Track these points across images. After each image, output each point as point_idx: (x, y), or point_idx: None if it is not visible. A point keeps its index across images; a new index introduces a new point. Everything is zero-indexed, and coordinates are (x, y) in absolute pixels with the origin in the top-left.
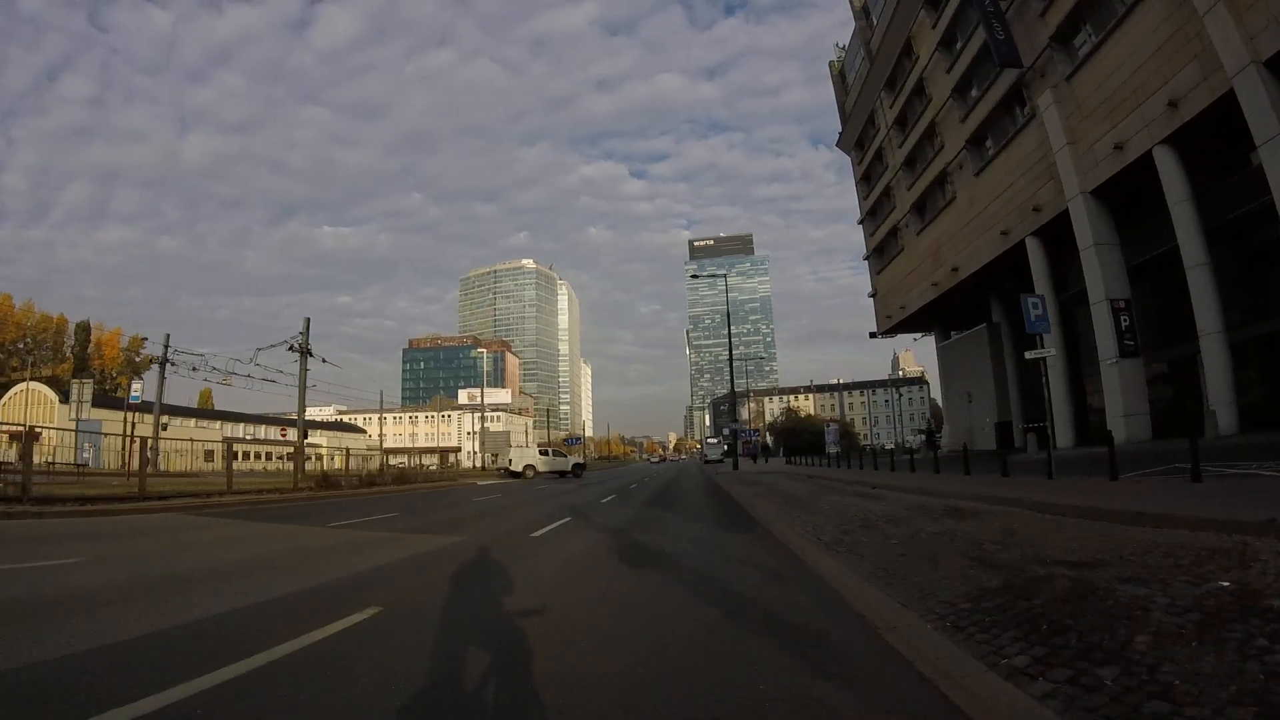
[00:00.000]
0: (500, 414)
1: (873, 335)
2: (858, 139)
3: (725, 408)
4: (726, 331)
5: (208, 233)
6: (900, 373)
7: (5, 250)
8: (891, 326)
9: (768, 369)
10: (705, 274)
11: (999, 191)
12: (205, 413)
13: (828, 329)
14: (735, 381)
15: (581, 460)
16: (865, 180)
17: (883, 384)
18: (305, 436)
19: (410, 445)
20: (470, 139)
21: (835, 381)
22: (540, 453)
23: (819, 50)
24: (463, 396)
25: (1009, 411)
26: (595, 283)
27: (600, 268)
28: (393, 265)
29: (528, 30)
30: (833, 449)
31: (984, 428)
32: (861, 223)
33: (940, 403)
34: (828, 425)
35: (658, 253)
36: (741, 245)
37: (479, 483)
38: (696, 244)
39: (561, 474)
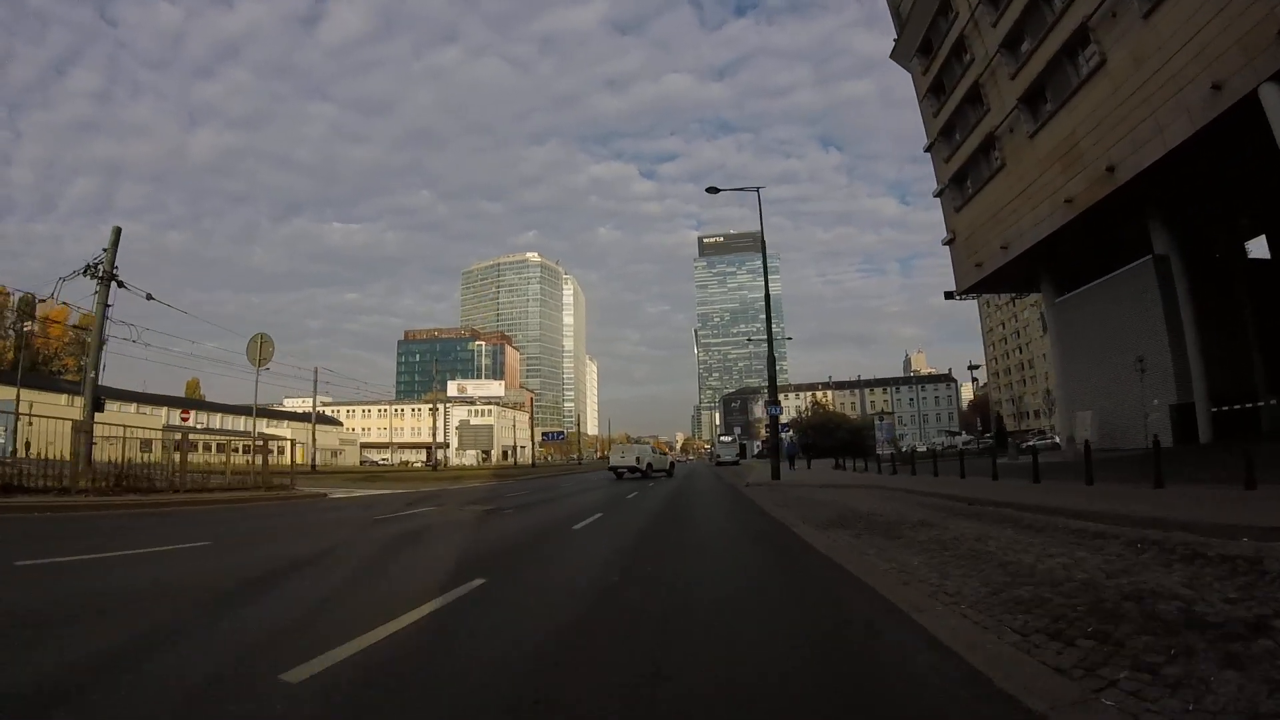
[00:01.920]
0: (492, 407)
1: (950, 296)
2: (922, 41)
3: (736, 404)
4: (766, 314)
5: (214, 228)
6: (912, 374)
7: (12, 244)
8: (981, 280)
9: (777, 368)
10: (725, 255)
11: (1191, 29)
12: (150, 398)
13: (835, 331)
14: (747, 381)
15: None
16: (935, 92)
17: (906, 381)
18: (98, 410)
19: (389, 440)
20: (478, 136)
21: (855, 378)
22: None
23: (829, 51)
24: (451, 388)
25: (1187, 387)
26: (603, 282)
27: (608, 268)
28: (399, 262)
29: (536, 28)
30: (885, 450)
31: (1147, 413)
32: (930, 149)
33: (1059, 380)
34: (879, 420)
35: (666, 253)
36: (752, 242)
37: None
38: (706, 241)
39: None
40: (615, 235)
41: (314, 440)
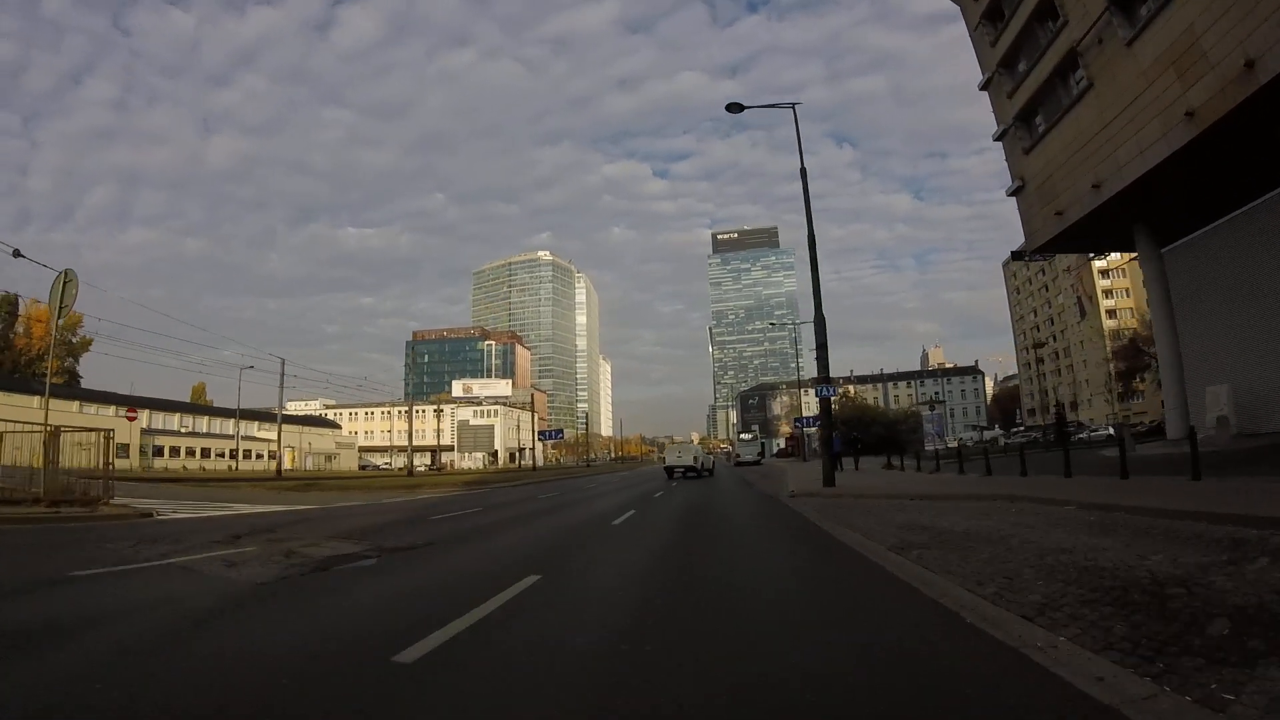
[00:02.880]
0: (498, 408)
1: (1019, 256)
2: None
3: (754, 401)
4: (811, 260)
5: (231, 234)
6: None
7: (30, 253)
8: (1062, 232)
9: (794, 365)
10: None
11: None
12: (131, 400)
13: (850, 328)
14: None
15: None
16: (991, 18)
17: (931, 374)
18: None
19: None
20: (491, 139)
21: (878, 371)
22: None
23: (840, 48)
24: (456, 389)
25: None
26: (617, 282)
27: (622, 267)
28: (415, 265)
29: (548, 30)
30: (935, 445)
31: None
32: (987, 85)
33: (1165, 350)
34: (928, 411)
35: (680, 252)
36: (766, 238)
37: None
38: (720, 236)
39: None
40: (629, 235)
41: (280, 441)
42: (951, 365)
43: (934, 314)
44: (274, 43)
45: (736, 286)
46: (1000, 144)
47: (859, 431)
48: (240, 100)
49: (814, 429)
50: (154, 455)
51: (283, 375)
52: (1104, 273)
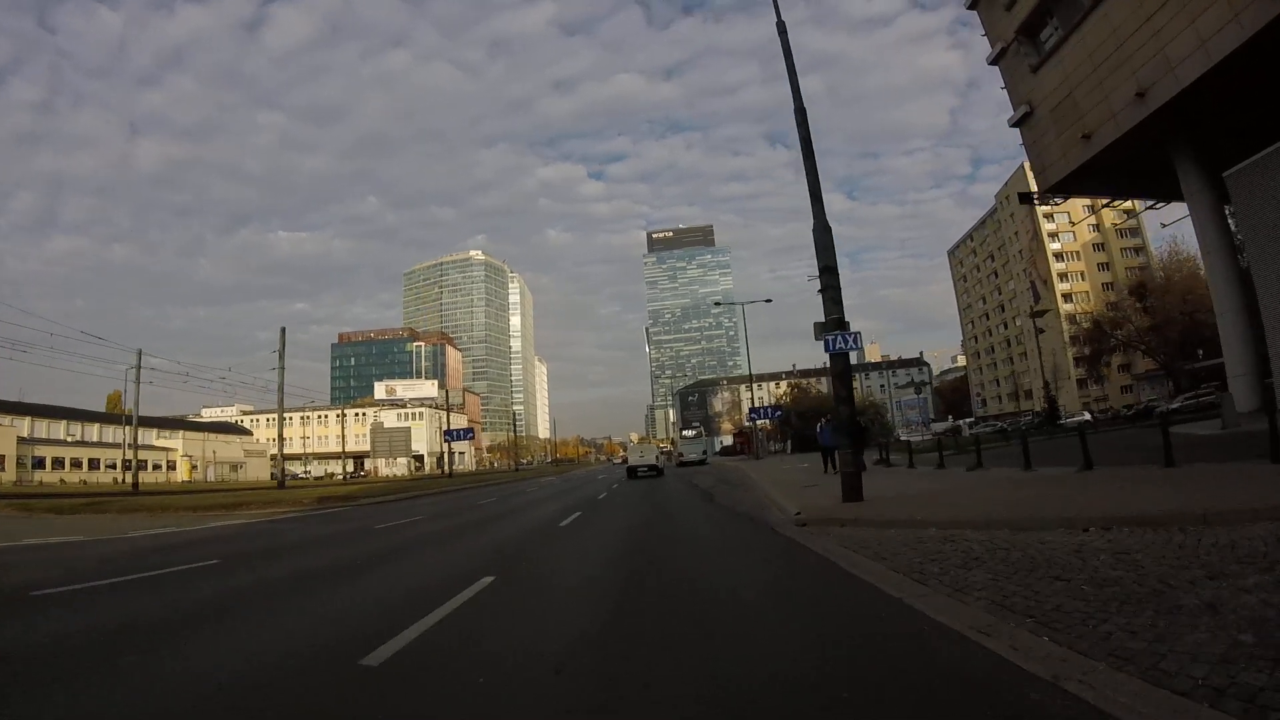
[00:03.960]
0: (424, 409)
1: (1027, 199)
2: None
3: (694, 398)
4: (810, 190)
5: (160, 241)
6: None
7: None
8: (1091, 160)
9: (730, 364)
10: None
11: None
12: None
13: (788, 327)
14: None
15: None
16: None
17: (875, 366)
18: None
19: (302, 451)
20: (428, 142)
21: (822, 365)
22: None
23: (777, 49)
24: (379, 390)
25: None
26: (555, 285)
27: (560, 270)
28: (350, 271)
29: (485, 32)
30: (917, 434)
31: None
32: (975, 4)
33: (1221, 301)
34: (911, 396)
35: (617, 254)
36: (701, 237)
37: None
38: (655, 235)
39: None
40: (566, 237)
41: (135, 451)
42: (896, 358)
43: (869, 311)
44: (204, 43)
45: (673, 285)
46: (998, 67)
47: (811, 425)
48: (169, 102)
49: (764, 421)
50: (34, 467)
51: (139, 370)
52: (1058, 255)
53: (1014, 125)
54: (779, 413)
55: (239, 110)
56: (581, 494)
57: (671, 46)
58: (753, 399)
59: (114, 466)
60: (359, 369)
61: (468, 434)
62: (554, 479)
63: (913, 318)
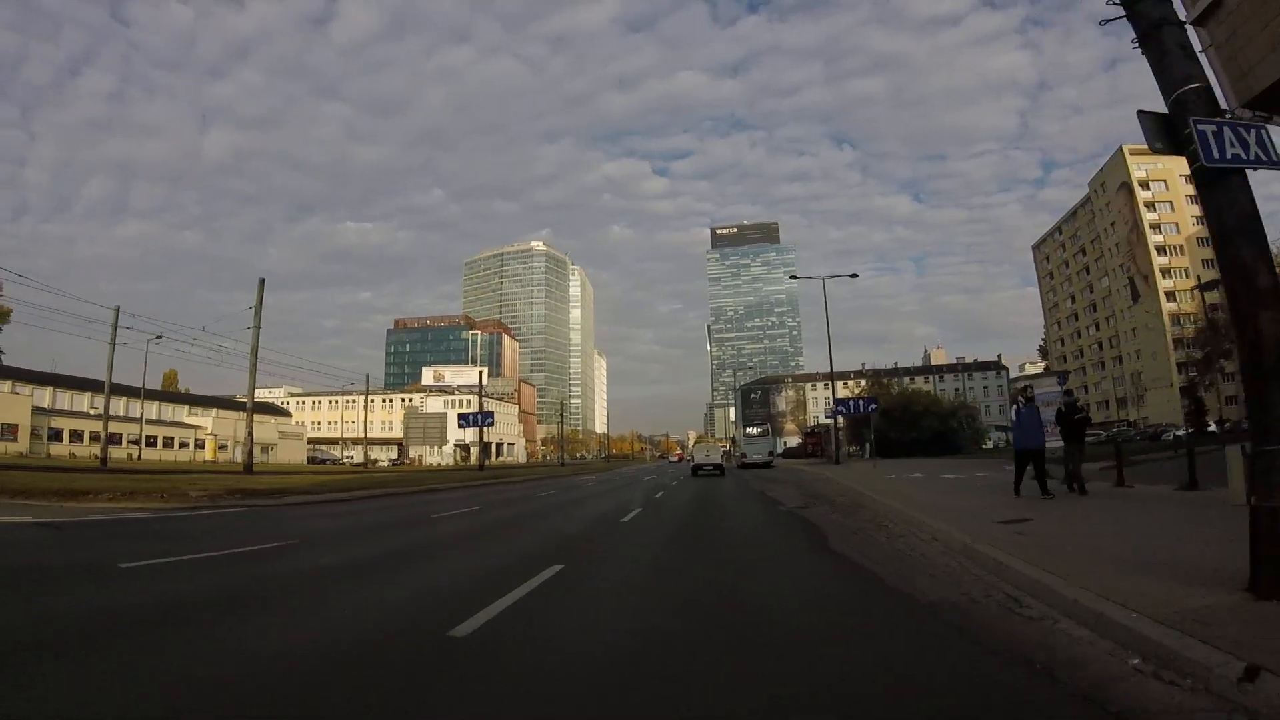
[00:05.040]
0: (470, 397)
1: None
2: None
3: (756, 396)
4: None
5: (227, 228)
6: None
7: (25, 244)
8: None
9: (793, 364)
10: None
11: None
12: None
13: (847, 330)
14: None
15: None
16: None
17: (951, 369)
18: None
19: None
20: (489, 135)
21: (892, 365)
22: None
23: (840, 49)
24: (426, 375)
25: None
26: (616, 281)
27: (621, 266)
28: (412, 261)
29: (548, 27)
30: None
31: None
32: None
33: None
34: (1053, 389)
35: (678, 251)
36: (766, 234)
37: None
38: (719, 231)
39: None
40: (628, 234)
41: (105, 426)
42: (972, 360)
43: (932, 317)
44: (272, 36)
45: (735, 283)
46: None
47: (905, 429)
48: (237, 94)
49: (831, 420)
50: (50, 439)
51: (115, 329)
52: (1160, 249)
53: (1190, 23)
54: (874, 406)
55: (304, 101)
56: (610, 504)
57: (734, 44)
58: (834, 394)
59: (136, 441)
60: (414, 355)
61: (487, 419)
62: (592, 478)
63: (974, 326)
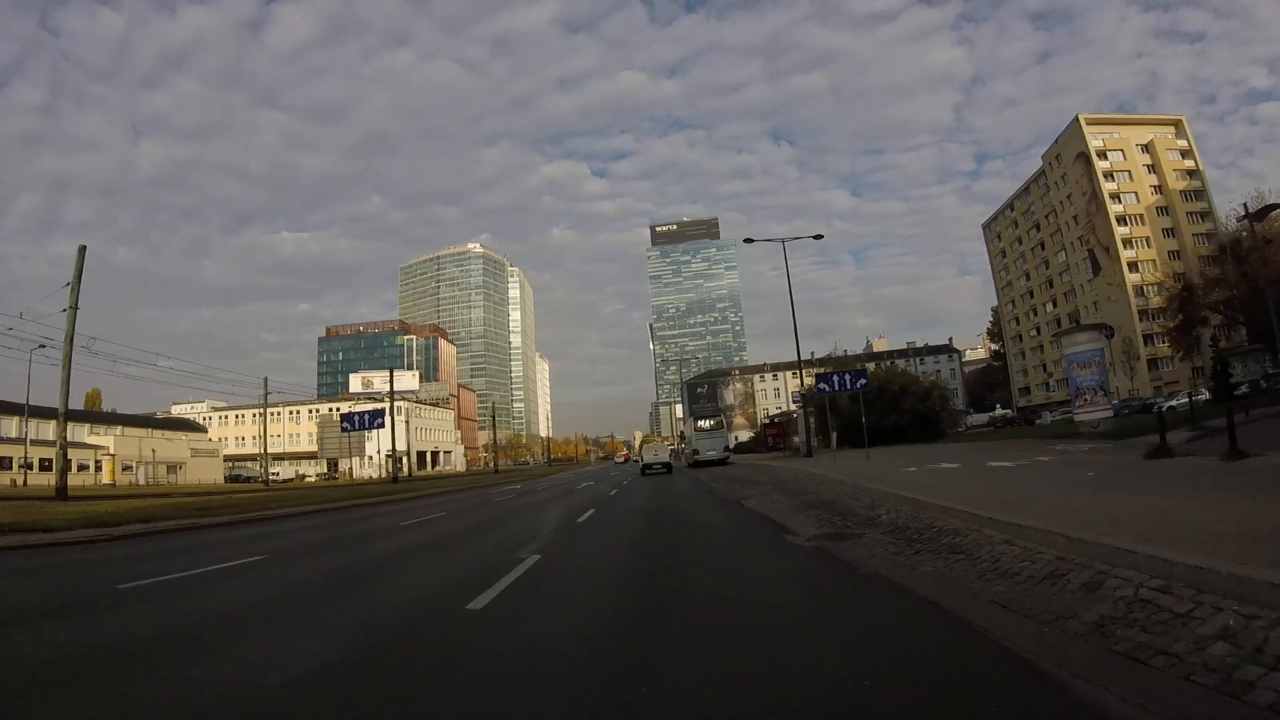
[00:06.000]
0: (403, 403)
1: None
2: None
3: (703, 390)
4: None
5: (164, 242)
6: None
7: None
8: None
9: (737, 359)
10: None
11: None
12: None
13: (787, 325)
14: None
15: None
16: None
17: (902, 354)
18: None
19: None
20: (431, 141)
21: (841, 351)
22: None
23: (780, 46)
24: (354, 383)
25: None
26: (560, 283)
27: (563, 269)
28: (354, 271)
29: (488, 29)
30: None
31: None
32: None
33: None
34: (1090, 347)
35: (621, 252)
36: (706, 229)
37: None
38: (659, 229)
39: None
40: (569, 235)
41: None
42: (923, 344)
43: (874, 309)
44: (206, 43)
45: (676, 280)
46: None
47: (884, 413)
48: (172, 103)
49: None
50: None
51: None
52: (1120, 219)
53: None
54: (864, 381)
55: (241, 110)
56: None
57: (674, 44)
58: (800, 374)
59: (29, 466)
60: (347, 364)
61: (375, 420)
62: (516, 487)
63: (915, 315)
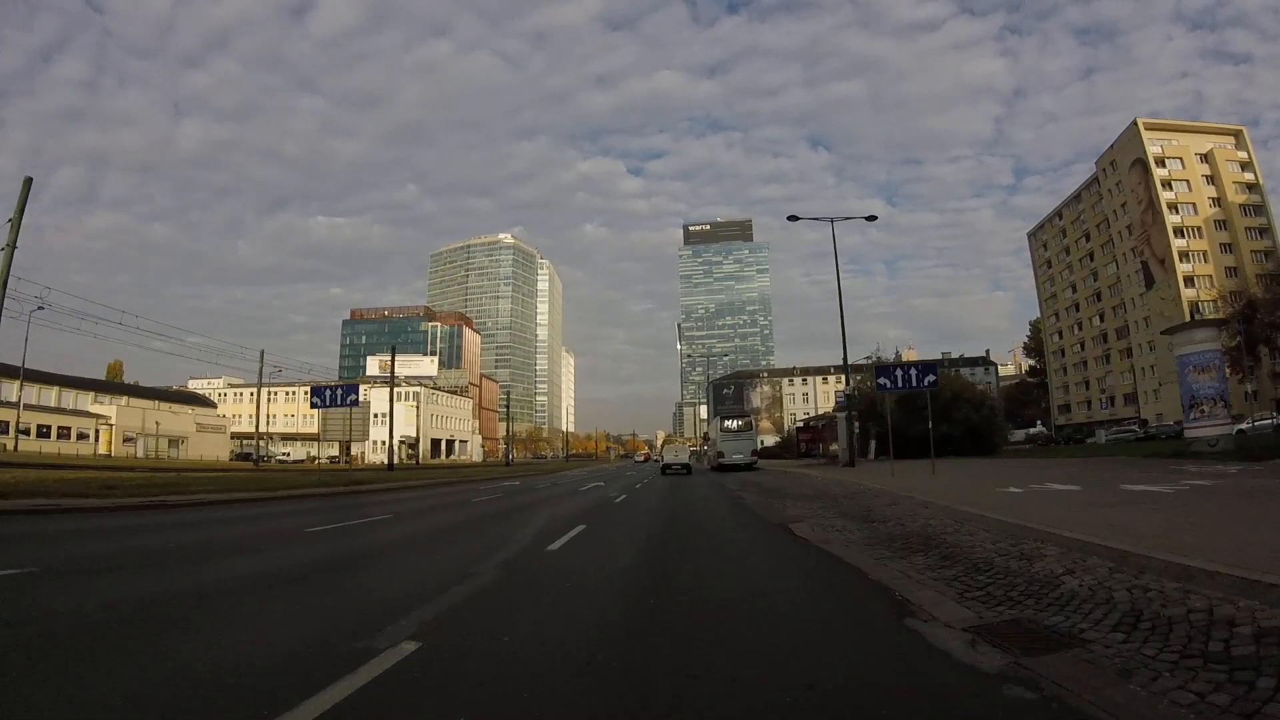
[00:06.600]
0: (418, 390)
1: None
2: None
3: (729, 391)
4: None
5: (199, 221)
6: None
7: None
8: None
9: (764, 362)
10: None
11: None
12: None
13: (819, 331)
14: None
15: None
16: None
17: (938, 363)
18: None
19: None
20: (467, 132)
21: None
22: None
23: (820, 52)
24: (372, 366)
25: None
26: (589, 280)
27: (594, 265)
28: (385, 258)
29: (528, 23)
30: (1206, 433)
31: None
32: None
33: None
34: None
35: (652, 251)
36: (740, 231)
37: None
38: (692, 228)
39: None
40: (602, 232)
41: None
42: (958, 355)
43: (903, 320)
44: (250, 26)
45: (707, 281)
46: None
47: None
48: (213, 84)
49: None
50: None
51: None
52: (1177, 231)
53: None
54: (933, 378)
55: (281, 94)
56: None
57: (714, 45)
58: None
59: (26, 433)
60: (370, 347)
61: (349, 396)
62: (515, 483)
63: (944, 328)
